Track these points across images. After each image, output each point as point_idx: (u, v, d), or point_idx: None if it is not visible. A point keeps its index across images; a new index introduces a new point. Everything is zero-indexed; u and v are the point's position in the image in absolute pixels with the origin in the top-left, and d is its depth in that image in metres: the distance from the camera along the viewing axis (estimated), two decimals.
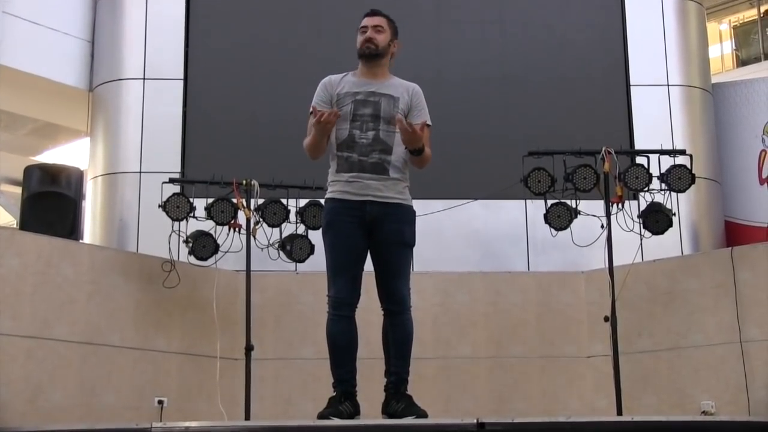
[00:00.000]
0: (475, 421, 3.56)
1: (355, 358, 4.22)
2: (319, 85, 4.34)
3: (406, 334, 4.23)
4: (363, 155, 4.17)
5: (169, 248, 6.28)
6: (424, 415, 4.08)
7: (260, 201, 6.40)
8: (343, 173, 4.20)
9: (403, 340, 4.23)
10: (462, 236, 7.67)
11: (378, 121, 4.19)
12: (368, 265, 4.23)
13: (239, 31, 8.11)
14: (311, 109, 4.24)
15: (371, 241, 4.19)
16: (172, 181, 6.60)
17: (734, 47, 16.35)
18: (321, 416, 4.07)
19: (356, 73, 4.33)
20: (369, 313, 4.28)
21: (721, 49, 16.10)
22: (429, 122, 4.32)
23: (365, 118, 4.19)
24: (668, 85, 8.13)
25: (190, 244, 6.38)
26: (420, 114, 4.30)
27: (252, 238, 6.30)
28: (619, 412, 5.72)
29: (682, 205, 6.95)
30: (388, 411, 4.17)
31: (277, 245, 6.56)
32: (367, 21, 4.32)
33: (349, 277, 4.16)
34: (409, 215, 4.26)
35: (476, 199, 7.48)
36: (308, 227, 6.54)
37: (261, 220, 6.40)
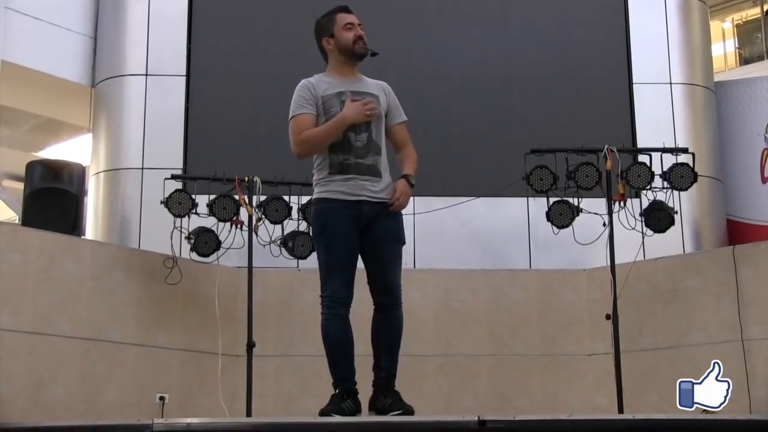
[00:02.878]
0: (476, 418, 3.56)
1: (353, 355, 4.22)
2: (301, 87, 4.27)
3: (397, 329, 4.24)
4: (359, 157, 4.17)
5: (171, 245, 6.28)
6: (411, 411, 4.08)
7: (262, 198, 6.40)
8: (336, 175, 4.19)
9: (394, 335, 4.23)
10: (464, 234, 7.66)
11: (369, 122, 4.19)
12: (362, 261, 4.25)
13: (242, 28, 8.10)
14: (299, 112, 4.21)
15: (365, 238, 4.19)
16: (174, 177, 6.60)
17: (737, 45, 16.34)
18: (323, 413, 4.07)
19: (329, 74, 4.30)
20: (369, 310, 4.28)
21: (724, 47, 16.10)
22: (405, 118, 4.38)
23: None
24: (671, 83, 8.12)
25: (192, 241, 6.38)
26: (399, 113, 4.36)
27: (254, 235, 6.30)
28: (620, 410, 5.72)
29: (684, 203, 6.94)
30: (376, 406, 4.16)
31: (278, 242, 6.56)
32: (353, 18, 4.28)
33: (346, 278, 4.16)
34: (399, 214, 4.28)
35: (478, 196, 7.47)
36: (310, 224, 6.54)
37: (263, 216, 6.40)
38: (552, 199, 6.30)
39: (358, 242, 4.19)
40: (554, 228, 6.32)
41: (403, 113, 4.38)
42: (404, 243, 4.30)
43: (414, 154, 4.34)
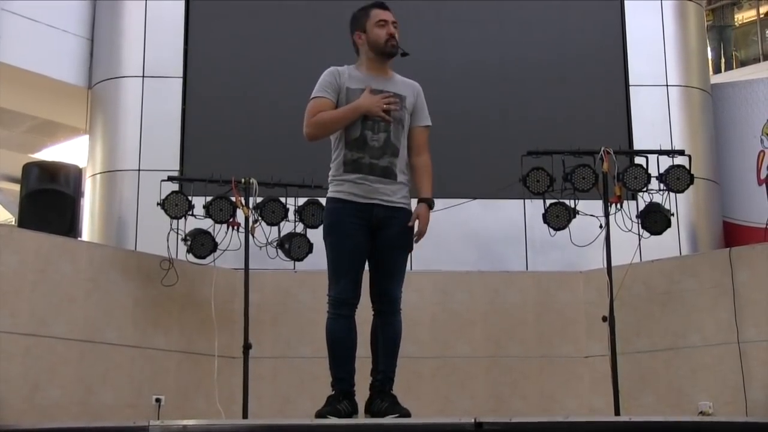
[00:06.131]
0: (472, 420, 3.56)
1: (354, 357, 4.22)
2: (327, 73, 4.25)
3: (396, 334, 4.24)
4: (374, 158, 4.15)
5: (168, 246, 6.27)
6: (407, 414, 4.07)
7: (259, 199, 6.40)
8: (349, 173, 4.18)
9: (392, 339, 4.23)
10: (460, 236, 7.66)
11: (388, 122, 4.17)
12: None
13: (239, 29, 8.10)
14: (319, 94, 4.19)
15: (373, 243, 4.18)
16: (170, 179, 6.59)
17: (733, 48, 16.33)
18: (319, 415, 4.07)
19: (358, 68, 4.27)
20: (369, 312, 4.28)
21: (720, 48, 16.07)
22: (429, 123, 4.33)
23: (377, 119, 4.16)
24: (667, 86, 8.13)
25: (189, 243, 6.38)
26: (423, 116, 4.33)
27: (250, 237, 6.30)
28: (617, 412, 5.72)
29: (680, 205, 6.94)
30: (372, 409, 4.17)
31: (275, 244, 6.56)
32: (387, 15, 4.24)
33: (352, 279, 4.15)
34: (409, 219, 4.25)
35: (475, 198, 7.47)
36: (307, 226, 6.54)
37: (259, 218, 6.39)
38: (548, 201, 6.30)
39: (367, 244, 4.17)
40: (551, 230, 6.32)
41: (428, 118, 4.36)
42: (411, 249, 4.29)
43: (430, 165, 4.33)
